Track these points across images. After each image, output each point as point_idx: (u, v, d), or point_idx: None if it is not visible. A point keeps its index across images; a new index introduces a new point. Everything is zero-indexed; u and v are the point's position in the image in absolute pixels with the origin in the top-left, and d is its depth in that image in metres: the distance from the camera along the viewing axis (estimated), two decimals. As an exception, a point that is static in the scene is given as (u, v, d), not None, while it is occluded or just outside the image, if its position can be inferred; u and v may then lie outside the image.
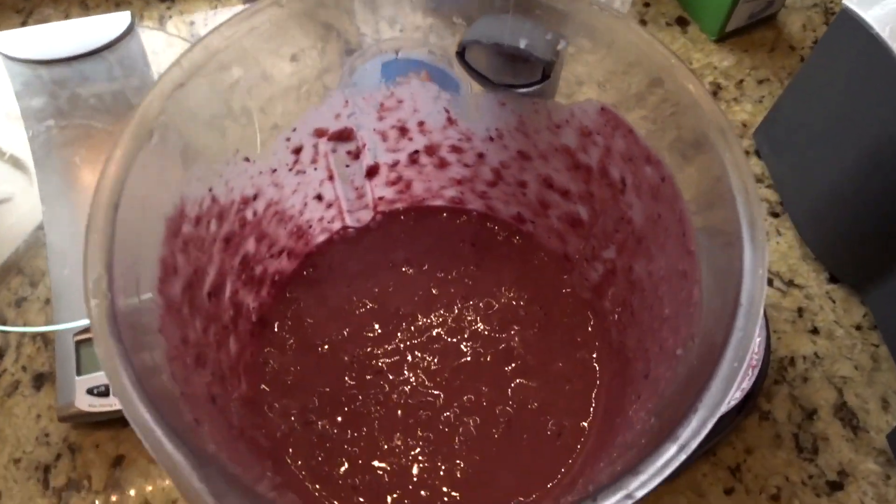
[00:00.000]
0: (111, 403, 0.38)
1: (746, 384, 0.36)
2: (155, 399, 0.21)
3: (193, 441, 0.22)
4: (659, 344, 0.29)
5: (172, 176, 0.27)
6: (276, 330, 0.39)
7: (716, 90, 0.54)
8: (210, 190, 0.30)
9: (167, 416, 0.22)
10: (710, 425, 0.20)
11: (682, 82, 0.26)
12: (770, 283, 0.45)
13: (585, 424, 0.36)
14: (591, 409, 0.37)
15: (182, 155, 0.28)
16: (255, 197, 0.34)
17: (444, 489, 0.35)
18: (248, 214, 0.34)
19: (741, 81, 0.54)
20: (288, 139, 0.33)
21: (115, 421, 0.39)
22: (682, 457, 0.20)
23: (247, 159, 0.32)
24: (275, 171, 0.34)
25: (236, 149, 0.31)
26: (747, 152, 0.51)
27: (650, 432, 0.26)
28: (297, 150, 0.34)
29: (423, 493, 0.35)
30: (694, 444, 0.20)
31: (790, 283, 0.45)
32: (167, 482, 0.38)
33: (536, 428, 0.36)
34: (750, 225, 0.23)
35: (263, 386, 0.37)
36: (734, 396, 0.36)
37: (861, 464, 0.39)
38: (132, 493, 0.38)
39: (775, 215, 0.48)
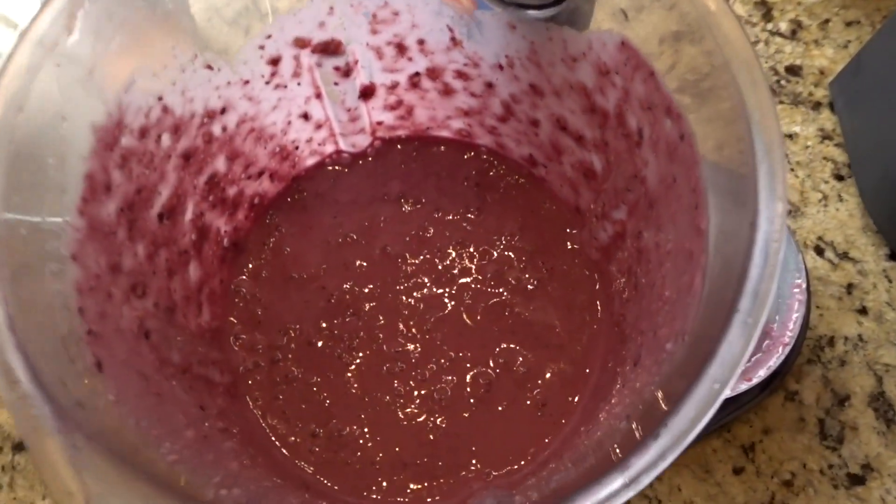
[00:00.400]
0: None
1: (774, 362, 0.32)
2: (34, 341, 0.19)
3: (77, 394, 0.19)
4: (654, 330, 0.25)
5: (105, 78, 0.24)
6: (251, 257, 0.36)
7: (795, 29, 0.47)
8: (160, 99, 0.26)
9: (48, 362, 0.19)
10: (670, 459, 0.16)
11: (719, 19, 0.21)
12: (821, 253, 0.40)
13: (574, 400, 0.33)
14: (584, 384, 0.33)
15: (119, 52, 0.24)
16: (223, 111, 0.30)
17: (410, 451, 0.32)
18: (216, 130, 0.30)
19: (826, 22, 0.47)
20: (261, 47, 0.29)
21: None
22: (630, 493, 0.16)
23: (209, 67, 0.28)
24: (247, 82, 0.30)
25: (195, 53, 0.27)
26: (819, 104, 0.45)
27: (618, 435, 0.22)
28: (275, 62, 0.30)
29: (386, 451, 0.32)
30: (646, 480, 0.16)
31: (843, 256, 0.40)
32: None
33: (519, 396, 0.33)
34: (769, 207, 0.18)
35: (231, 318, 0.35)
36: (758, 375, 0.32)
37: (890, 460, 0.35)
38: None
39: (840, 178, 0.42)
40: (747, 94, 0.20)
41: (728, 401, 0.19)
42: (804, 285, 0.33)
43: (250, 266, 0.36)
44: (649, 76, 0.24)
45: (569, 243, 0.35)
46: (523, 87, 0.31)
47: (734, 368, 0.17)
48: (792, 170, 0.44)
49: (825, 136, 0.44)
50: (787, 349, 0.32)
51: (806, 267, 0.33)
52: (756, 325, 0.17)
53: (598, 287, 0.34)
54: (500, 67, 0.31)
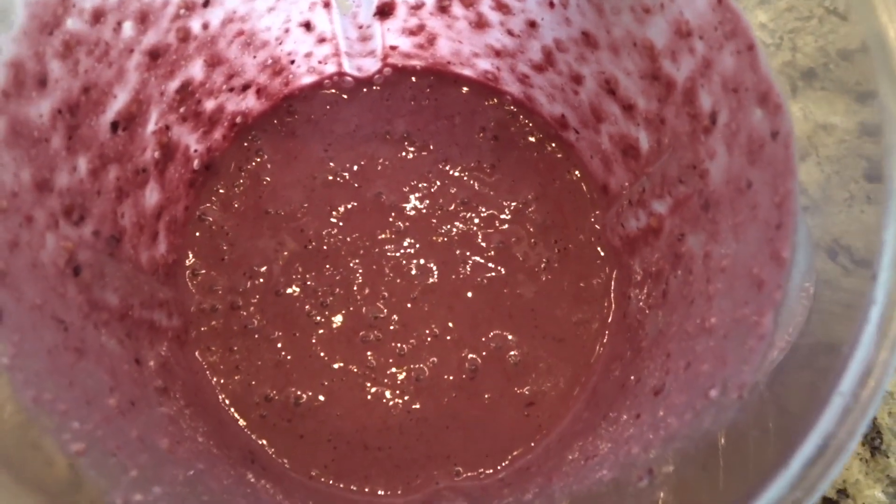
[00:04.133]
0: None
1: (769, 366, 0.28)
2: None
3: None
4: (687, 359, 0.21)
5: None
6: (223, 182, 0.31)
7: (870, 13, 0.41)
8: (125, -23, 0.21)
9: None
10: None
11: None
12: (834, 256, 0.37)
13: (566, 402, 0.29)
14: (581, 388, 0.29)
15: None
16: (206, 3, 0.24)
17: (373, 433, 0.28)
18: (194, 26, 0.24)
19: None
20: (263, -68, 0.23)
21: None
22: None
23: (193, -54, 0.22)
24: (240, -27, 0.24)
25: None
26: (866, 95, 0.40)
27: (636, 489, 0.18)
28: (278, -47, 0.24)
29: (345, 429, 0.28)
30: None
31: (861, 263, 0.36)
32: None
33: (507, 390, 0.29)
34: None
35: (191, 251, 0.30)
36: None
37: (867, 489, 0.33)
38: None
39: (872, 179, 0.38)
40: (891, 105, 0.15)
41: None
42: (812, 290, 0.29)
43: (221, 192, 0.31)
44: (746, 49, 0.19)
45: (590, 223, 0.31)
46: (574, 33, 0.26)
47: (821, 479, 0.12)
48: (819, 163, 0.39)
49: (866, 132, 0.39)
50: (782, 355, 0.28)
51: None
52: (863, 417, 0.13)
53: (613, 281, 0.30)
54: (552, 5, 0.25)
